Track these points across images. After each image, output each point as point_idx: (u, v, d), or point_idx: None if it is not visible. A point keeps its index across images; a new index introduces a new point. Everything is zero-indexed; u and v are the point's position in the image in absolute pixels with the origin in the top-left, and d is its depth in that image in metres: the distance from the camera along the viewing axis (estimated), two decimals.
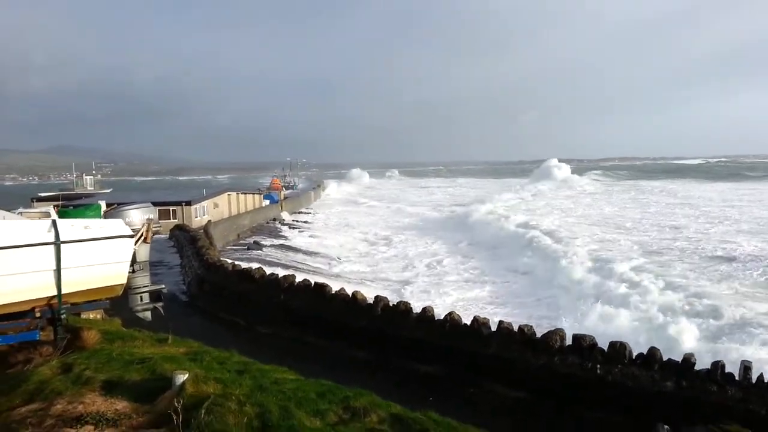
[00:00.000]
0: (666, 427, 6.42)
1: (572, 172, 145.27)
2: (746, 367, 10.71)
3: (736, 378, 10.73)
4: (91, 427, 6.09)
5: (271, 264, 30.82)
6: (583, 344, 12.29)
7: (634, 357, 11.80)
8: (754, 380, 10.56)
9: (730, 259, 31.89)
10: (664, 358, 11.56)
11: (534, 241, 39.35)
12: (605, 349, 12.07)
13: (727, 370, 10.94)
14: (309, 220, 66.69)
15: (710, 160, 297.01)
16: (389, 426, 6.61)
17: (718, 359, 11.35)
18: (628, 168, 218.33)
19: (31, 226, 9.33)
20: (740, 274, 28.38)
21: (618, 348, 11.90)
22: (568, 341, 12.61)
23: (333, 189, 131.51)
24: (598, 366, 11.96)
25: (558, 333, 12.79)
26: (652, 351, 11.67)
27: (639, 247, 37.18)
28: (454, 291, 28.10)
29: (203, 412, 6.00)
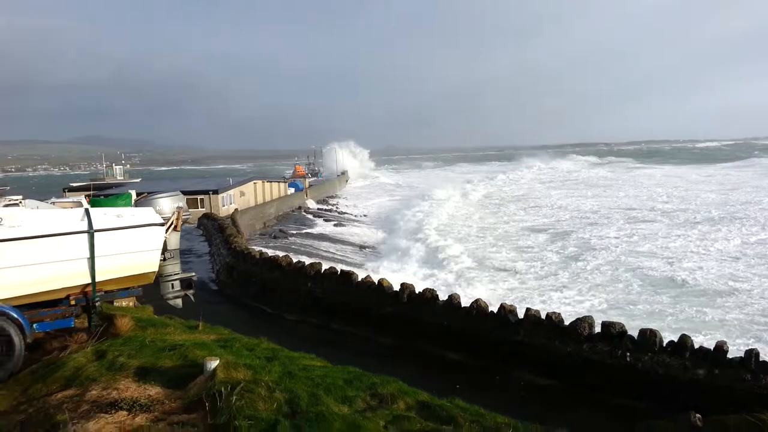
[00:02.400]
0: (698, 415, 6.31)
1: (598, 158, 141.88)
2: None
3: None
4: (125, 413, 6.23)
5: (297, 252, 31.05)
6: (612, 331, 12.14)
7: (664, 344, 11.63)
8: None
9: None
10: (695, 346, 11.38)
11: None
12: (635, 336, 11.92)
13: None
14: (334, 209, 66.76)
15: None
16: (416, 413, 6.64)
17: (752, 348, 11.13)
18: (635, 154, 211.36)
19: (65, 215, 9.54)
20: None
21: (648, 336, 11.72)
22: (597, 329, 12.49)
23: (355, 172, 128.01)
24: (628, 354, 11.81)
25: (586, 320, 12.65)
26: (683, 339, 11.47)
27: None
28: None
29: (234, 397, 6.09)
